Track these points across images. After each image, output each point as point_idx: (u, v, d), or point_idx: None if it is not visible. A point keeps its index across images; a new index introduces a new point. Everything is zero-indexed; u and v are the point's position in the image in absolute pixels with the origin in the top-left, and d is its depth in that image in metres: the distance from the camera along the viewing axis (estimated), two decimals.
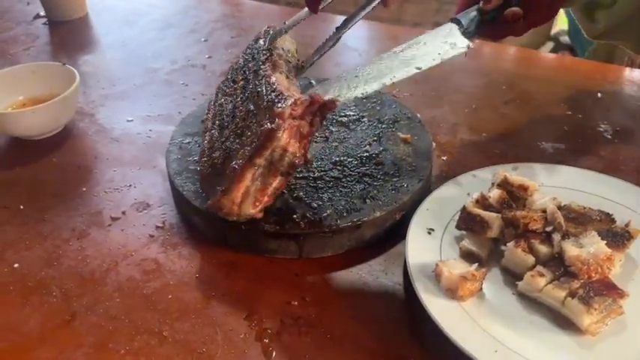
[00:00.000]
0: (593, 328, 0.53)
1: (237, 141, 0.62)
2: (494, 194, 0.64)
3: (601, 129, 0.84)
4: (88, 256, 0.65)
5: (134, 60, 1.08)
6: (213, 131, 0.69)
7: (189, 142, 0.76)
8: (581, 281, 0.55)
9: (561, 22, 2.47)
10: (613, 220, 0.61)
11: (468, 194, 0.67)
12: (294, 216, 0.63)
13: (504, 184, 0.65)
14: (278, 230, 0.62)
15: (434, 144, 0.78)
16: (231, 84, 0.72)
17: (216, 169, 0.63)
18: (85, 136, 0.86)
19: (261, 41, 0.72)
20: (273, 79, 0.63)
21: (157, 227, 0.69)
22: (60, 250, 0.66)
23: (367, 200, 0.65)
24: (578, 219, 0.61)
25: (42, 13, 1.24)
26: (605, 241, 0.57)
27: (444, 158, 0.79)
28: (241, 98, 0.67)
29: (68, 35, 1.18)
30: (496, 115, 0.89)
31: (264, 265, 0.63)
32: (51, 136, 0.85)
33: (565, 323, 0.54)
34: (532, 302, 0.56)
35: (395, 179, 0.68)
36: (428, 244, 0.62)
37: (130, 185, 0.76)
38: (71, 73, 0.85)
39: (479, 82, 0.98)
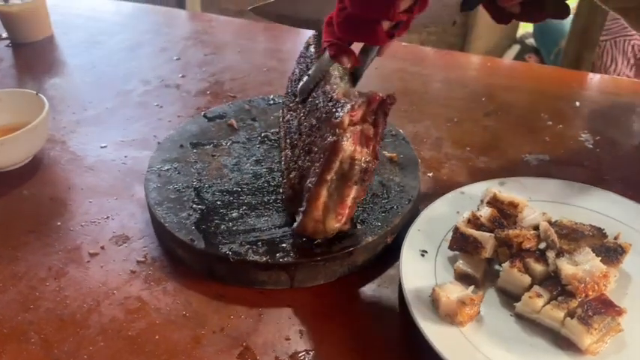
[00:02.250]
0: (594, 348, 0.52)
1: (307, 158, 0.61)
2: (485, 213, 0.63)
3: (582, 138, 0.85)
4: (68, 296, 0.62)
5: (105, 82, 1.04)
6: (287, 151, 0.68)
7: (168, 169, 0.73)
8: (579, 300, 0.54)
9: (527, 24, 2.52)
10: (605, 235, 0.61)
11: (458, 212, 0.66)
12: (284, 245, 0.61)
13: (494, 202, 0.65)
14: (268, 261, 0.60)
15: (419, 161, 0.77)
16: (292, 97, 0.70)
17: (295, 191, 0.62)
18: (56, 166, 0.83)
19: (311, 48, 0.70)
20: (327, 87, 0.61)
21: (139, 262, 0.66)
22: (37, 292, 0.62)
23: (357, 224, 0.64)
24: (571, 235, 0.61)
25: (4, 35, 1.19)
26: (599, 258, 0.56)
27: (430, 174, 0.78)
28: (303, 113, 0.65)
29: (34, 57, 1.14)
30: (478, 127, 0.88)
31: (255, 298, 0.61)
32: (20, 166, 0.81)
33: (565, 344, 0.53)
34: (531, 323, 0.55)
35: (384, 201, 0.67)
36: (422, 267, 0.60)
37: (108, 217, 0.72)
38: (40, 99, 0.82)
39: (457, 94, 0.97)
